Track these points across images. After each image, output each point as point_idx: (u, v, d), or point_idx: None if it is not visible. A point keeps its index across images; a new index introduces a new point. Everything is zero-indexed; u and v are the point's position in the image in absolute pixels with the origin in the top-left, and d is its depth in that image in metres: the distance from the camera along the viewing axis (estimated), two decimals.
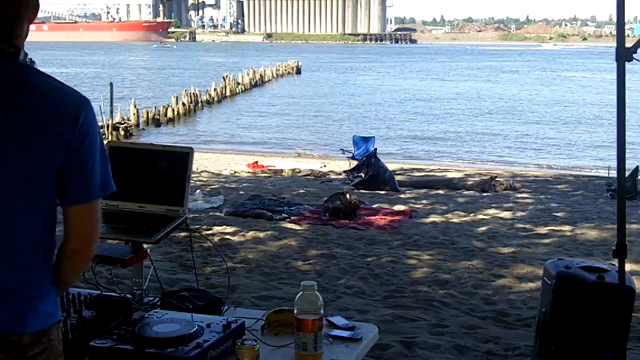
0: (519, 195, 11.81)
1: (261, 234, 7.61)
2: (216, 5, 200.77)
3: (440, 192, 12.13)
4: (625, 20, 3.00)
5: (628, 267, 3.26)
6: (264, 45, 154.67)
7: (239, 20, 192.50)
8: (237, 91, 38.62)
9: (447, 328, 4.63)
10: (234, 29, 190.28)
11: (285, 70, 55.26)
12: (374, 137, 15.75)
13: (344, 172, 13.96)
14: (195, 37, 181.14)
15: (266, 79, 47.11)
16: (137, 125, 24.15)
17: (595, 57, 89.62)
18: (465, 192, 12.10)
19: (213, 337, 2.02)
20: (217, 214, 8.97)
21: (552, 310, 3.44)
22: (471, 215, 9.43)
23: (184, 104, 29.25)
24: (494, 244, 7.46)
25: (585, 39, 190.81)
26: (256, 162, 16.02)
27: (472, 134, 25.14)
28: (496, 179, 13.02)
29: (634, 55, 2.76)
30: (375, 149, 13.79)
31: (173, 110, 28.06)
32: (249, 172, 14.69)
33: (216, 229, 7.82)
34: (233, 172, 14.64)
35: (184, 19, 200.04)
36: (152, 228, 2.39)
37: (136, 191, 2.51)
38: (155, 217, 2.45)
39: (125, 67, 65.63)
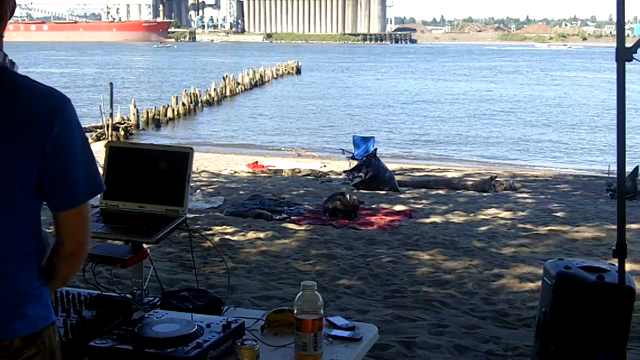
0: (519, 195, 11.80)
1: (261, 234, 7.61)
2: (216, 5, 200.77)
3: (440, 192, 12.13)
4: (625, 20, 3.00)
5: (628, 267, 3.25)
6: (264, 45, 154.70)
7: (239, 20, 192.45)
8: (237, 91, 38.62)
9: (447, 328, 4.63)
10: (234, 29, 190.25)
11: (285, 70, 55.26)
12: (373, 137, 15.75)
13: (344, 172, 13.96)
14: (195, 37, 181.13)
15: (266, 79, 47.11)
16: (137, 125, 24.15)
17: (584, 57, 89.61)
18: (465, 192, 12.10)
19: (213, 337, 2.02)
20: (217, 214, 8.97)
21: (552, 310, 3.44)
22: (471, 215, 9.43)
23: (184, 104, 29.25)
24: (494, 244, 7.46)
25: (585, 38, 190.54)
26: (256, 162, 16.03)
27: (473, 134, 25.14)
28: (496, 179, 13.02)
29: (634, 55, 2.76)
30: (375, 149, 13.79)
31: (173, 110, 28.06)
32: (249, 172, 14.69)
33: (216, 229, 7.83)
34: (233, 172, 14.64)
35: (184, 19, 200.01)
36: (152, 228, 2.39)
37: (136, 191, 2.51)
38: (155, 217, 2.45)
39: (125, 67, 65.63)
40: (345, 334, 2.21)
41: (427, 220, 8.94)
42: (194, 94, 31.14)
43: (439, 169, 16.44)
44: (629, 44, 2.78)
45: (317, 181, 13.32)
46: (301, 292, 2.04)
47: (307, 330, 2.01)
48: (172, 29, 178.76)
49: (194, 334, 2.01)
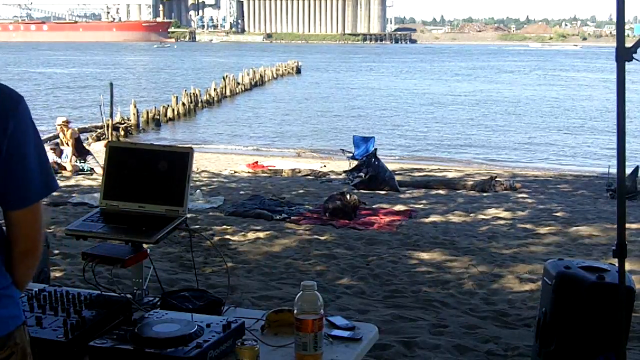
0: (519, 195, 11.80)
1: (261, 234, 7.61)
2: (216, 5, 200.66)
3: (440, 192, 12.12)
4: (625, 20, 3.00)
5: (628, 267, 3.25)
6: (264, 45, 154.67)
7: (239, 20, 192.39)
8: (237, 91, 38.62)
9: (447, 328, 4.63)
10: (233, 29, 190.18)
11: (285, 70, 55.25)
12: (374, 137, 15.74)
13: (344, 172, 13.95)
14: (195, 37, 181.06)
15: (266, 79, 47.10)
16: (137, 125, 24.14)
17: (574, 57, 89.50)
18: (465, 192, 12.10)
19: (213, 337, 2.02)
20: (217, 214, 8.97)
21: (552, 310, 3.44)
22: (471, 215, 9.43)
23: (184, 104, 29.25)
24: (494, 244, 7.46)
25: (585, 38, 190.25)
26: (256, 162, 16.03)
27: (473, 134, 25.15)
28: (496, 179, 13.01)
29: (634, 55, 2.76)
30: (375, 149, 13.78)
31: (173, 110, 28.06)
32: (249, 172, 14.69)
33: (216, 229, 7.83)
34: (233, 172, 14.64)
35: (184, 19, 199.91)
36: (152, 228, 2.38)
37: (136, 191, 2.51)
38: (155, 217, 2.44)
39: (125, 68, 65.62)
40: (345, 334, 2.21)
41: (427, 220, 8.94)
42: (194, 94, 31.13)
43: (439, 169, 16.44)
44: (629, 44, 2.78)
45: (317, 181, 13.32)
46: (301, 292, 2.04)
47: (307, 330, 2.01)
48: (172, 29, 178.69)
49: (194, 334, 2.01)
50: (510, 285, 5.85)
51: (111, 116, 19.05)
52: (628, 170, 10.81)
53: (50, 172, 1.69)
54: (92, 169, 13.27)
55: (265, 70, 48.31)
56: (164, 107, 27.68)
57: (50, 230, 6.14)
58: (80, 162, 13.44)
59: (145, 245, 2.43)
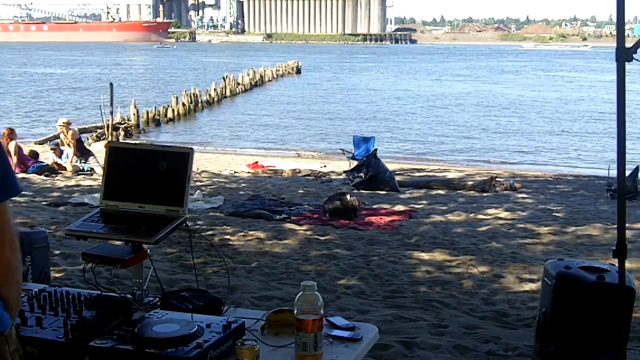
0: (519, 195, 11.80)
1: (261, 234, 7.61)
2: (216, 6, 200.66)
3: (440, 192, 12.12)
4: (625, 20, 3.00)
5: (628, 267, 3.25)
6: (264, 45, 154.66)
7: (239, 21, 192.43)
8: (237, 91, 38.61)
9: (447, 328, 4.63)
10: (234, 29, 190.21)
11: (285, 70, 55.25)
12: (374, 137, 15.74)
13: (344, 172, 13.95)
14: (195, 38, 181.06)
15: (266, 79, 47.09)
16: (137, 125, 24.13)
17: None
18: (465, 192, 12.10)
19: (213, 337, 2.02)
20: (217, 214, 8.97)
21: (552, 310, 3.44)
22: (471, 215, 9.43)
23: (184, 104, 29.24)
24: (494, 244, 7.46)
25: (585, 38, 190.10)
26: (256, 162, 16.03)
27: (473, 134, 25.15)
28: (496, 179, 13.01)
29: (634, 55, 2.76)
30: (375, 149, 13.77)
31: (173, 110, 28.05)
32: (249, 172, 14.69)
33: (216, 229, 7.82)
34: (233, 172, 14.63)
35: (184, 19, 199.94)
36: (152, 228, 2.38)
37: (136, 191, 2.51)
38: (155, 217, 2.44)
39: (125, 68, 65.62)
40: (346, 334, 2.21)
41: (427, 220, 8.94)
42: (194, 94, 31.12)
43: (439, 169, 16.43)
44: (629, 44, 2.78)
45: (317, 181, 13.32)
46: (301, 292, 2.04)
47: (307, 330, 2.01)
48: (172, 29, 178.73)
49: (194, 334, 2.01)
50: (510, 285, 5.85)
51: (111, 116, 19.05)
52: (628, 171, 10.81)
53: (10, 176, 1.64)
54: (92, 168, 13.28)
55: (265, 71, 48.30)
56: (164, 107, 27.67)
57: (50, 231, 6.14)
58: (80, 163, 13.44)
59: (145, 246, 2.43)
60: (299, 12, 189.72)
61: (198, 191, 10.17)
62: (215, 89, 34.71)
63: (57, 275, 5.36)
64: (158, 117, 26.35)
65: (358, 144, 15.23)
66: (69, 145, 13.66)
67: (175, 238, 6.70)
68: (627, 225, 2.97)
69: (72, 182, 11.75)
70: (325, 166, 15.93)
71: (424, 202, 10.74)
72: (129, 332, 2.04)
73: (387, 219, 8.84)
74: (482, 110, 32.77)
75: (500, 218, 9.26)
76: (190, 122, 28.50)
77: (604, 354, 3.28)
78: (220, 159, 17.67)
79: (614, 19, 2.96)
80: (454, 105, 35.01)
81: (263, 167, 15.49)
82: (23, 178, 11.80)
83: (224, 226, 7.98)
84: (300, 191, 11.54)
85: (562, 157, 20.63)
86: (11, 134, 12.94)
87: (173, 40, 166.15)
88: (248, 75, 43.19)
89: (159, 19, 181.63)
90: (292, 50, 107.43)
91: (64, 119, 14.31)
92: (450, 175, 14.62)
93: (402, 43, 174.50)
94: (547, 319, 3.47)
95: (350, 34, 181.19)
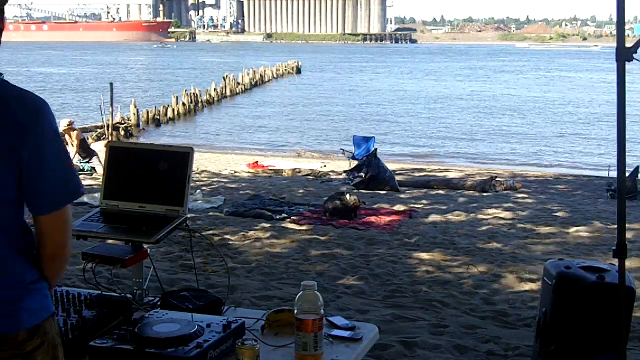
0: (519, 195, 11.80)
1: (261, 234, 7.61)
2: (216, 5, 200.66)
3: (440, 192, 12.12)
4: (625, 20, 3.00)
5: (628, 267, 3.25)
6: (264, 45, 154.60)
7: (239, 20, 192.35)
8: (237, 91, 38.62)
9: (447, 328, 4.63)
10: (234, 29, 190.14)
11: (285, 70, 55.26)
12: (374, 137, 15.74)
13: (344, 172, 13.95)
14: (195, 37, 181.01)
15: (266, 79, 47.10)
16: (137, 125, 24.14)
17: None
18: (465, 192, 12.10)
19: (213, 337, 2.02)
20: (217, 214, 8.97)
21: (552, 310, 3.44)
22: (471, 215, 9.42)
23: (184, 104, 29.25)
24: (494, 244, 7.46)
25: (585, 38, 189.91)
26: (256, 162, 16.03)
27: (474, 134, 25.15)
28: (496, 179, 13.01)
29: (634, 55, 2.76)
30: (375, 149, 13.77)
31: (173, 110, 28.07)
32: (249, 172, 14.69)
33: (216, 229, 7.82)
34: (233, 172, 14.64)
35: (184, 19, 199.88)
36: (152, 228, 2.39)
37: (136, 191, 2.51)
38: (155, 217, 2.45)
39: (125, 67, 65.62)
40: (346, 334, 2.22)
41: (427, 220, 8.94)
42: (194, 93, 31.13)
43: (439, 169, 16.43)
44: (629, 44, 2.78)
45: (317, 181, 13.32)
46: (301, 292, 2.05)
47: (307, 330, 2.01)
48: (172, 29, 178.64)
49: (194, 334, 2.01)
50: (510, 285, 5.85)
51: (111, 116, 19.05)
52: (628, 171, 10.81)
53: (74, 179, 1.73)
54: (93, 168, 13.29)
55: (265, 70, 48.31)
56: (164, 107, 27.69)
57: None
58: (82, 162, 13.46)
59: (145, 245, 2.44)
60: (299, 12, 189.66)
61: (198, 191, 10.17)
62: (215, 89, 34.72)
63: None
64: (158, 117, 26.36)
65: (358, 143, 15.22)
66: (72, 145, 13.68)
67: (175, 238, 6.70)
68: (627, 225, 2.97)
69: None
70: (325, 166, 15.93)
71: (424, 202, 10.75)
72: (129, 332, 2.04)
73: (387, 218, 8.84)
74: (482, 110, 32.76)
75: (500, 218, 9.26)
76: (191, 121, 28.51)
77: (604, 353, 3.28)
78: (220, 158, 17.67)
79: (614, 19, 2.96)
80: (454, 105, 35.01)
81: (263, 167, 15.50)
82: None
83: (224, 226, 7.98)
84: (300, 191, 11.54)
85: (562, 157, 20.64)
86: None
87: (173, 40, 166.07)
88: (248, 75, 43.19)
89: (159, 19, 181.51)
90: (292, 50, 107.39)
91: (67, 120, 14.31)
92: (450, 175, 14.62)
93: (402, 43, 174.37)
94: (547, 318, 3.47)
95: (350, 34, 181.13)
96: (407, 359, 4.09)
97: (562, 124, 27.97)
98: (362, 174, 12.53)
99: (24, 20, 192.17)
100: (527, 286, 5.77)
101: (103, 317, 2.16)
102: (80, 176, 12.66)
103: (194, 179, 12.04)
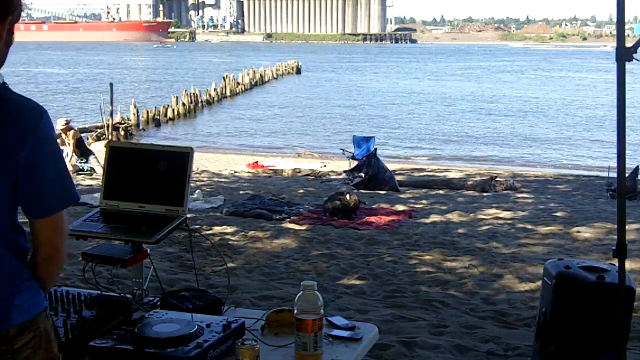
0: (519, 195, 11.80)
1: (261, 234, 7.61)
2: (216, 5, 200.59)
3: (440, 192, 12.12)
4: (625, 20, 3.00)
5: (628, 267, 3.25)
6: (264, 45, 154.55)
7: (239, 20, 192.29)
8: (237, 91, 38.62)
9: (447, 328, 4.62)
10: (234, 29, 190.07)
11: (285, 70, 55.26)
12: (374, 137, 15.75)
13: (344, 172, 13.95)
14: (195, 37, 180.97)
15: (266, 79, 47.10)
16: (137, 125, 24.15)
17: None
18: (465, 192, 12.10)
19: (213, 337, 2.02)
20: (217, 214, 8.97)
21: (552, 310, 3.44)
22: (471, 215, 9.43)
23: (184, 104, 29.25)
24: (494, 244, 7.46)
25: (585, 38, 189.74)
26: (256, 162, 16.03)
27: (474, 134, 25.15)
28: (496, 179, 13.02)
29: (634, 55, 2.75)
30: (376, 148, 13.78)
31: (173, 110, 28.07)
32: (249, 172, 14.69)
33: (216, 229, 7.82)
34: (233, 172, 14.64)
35: (184, 19, 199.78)
36: (152, 228, 2.38)
37: (136, 191, 2.51)
38: (155, 217, 2.44)
39: (125, 67, 65.61)
40: (346, 334, 2.21)
41: (427, 220, 8.94)
42: (194, 94, 31.13)
43: (439, 169, 16.44)
44: (629, 44, 2.78)
45: (317, 181, 13.32)
46: (301, 292, 2.04)
47: (307, 330, 2.01)
48: (172, 29, 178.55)
49: (194, 334, 2.01)
50: (510, 285, 5.85)
51: (111, 116, 19.05)
52: (628, 171, 10.81)
53: (69, 184, 1.75)
54: (93, 168, 13.29)
55: (265, 70, 48.31)
56: (164, 107, 27.69)
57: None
58: (81, 162, 13.45)
59: (145, 245, 2.43)
60: (299, 12, 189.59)
61: (198, 191, 10.17)
62: (215, 89, 34.73)
63: None
64: (158, 117, 26.36)
65: (358, 143, 15.23)
66: (68, 144, 13.68)
67: (175, 238, 6.69)
68: (627, 225, 2.97)
69: None
70: (325, 166, 15.93)
71: (424, 202, 10.75)
72: (129, 332, 2.04)
73: (387, 218, 8.84)
74: (482, 110, 32.76)
75: (500, 218, 9.26)
76: (191, 121, 28.51)
77: (604, 353, 3.28)
78: (220, 158, 17.68)
79: (614, 19, 2.96)
80: (455, 105, 35.00)
81: (263, 167, 15.50)
82: None
83: (224, 226, 7.98)
84: (300, 191, 11.54)
85: (562, 157, 20.63)
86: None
87: (173, 40, 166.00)
88: (248, 75, 43.20)
89: (159, 19, 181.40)
90: (292, 50, 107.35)
91: (64, 120, 14.31)
92: (450, 175, 14.63)
93: (402, 43, 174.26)
94: (547, 318, 3.46)
95: (350, 34, 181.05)
96: (407, 359, 4.09)
97: (561, 124, 27.97)
98: (362, 174, 12.53)
99: (24, 20, 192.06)
100: (527, 286, 5.77)
101: (103, 317, 2.15)
102: (80, 176, 12.68)
103: (194, 179, 12.04)
